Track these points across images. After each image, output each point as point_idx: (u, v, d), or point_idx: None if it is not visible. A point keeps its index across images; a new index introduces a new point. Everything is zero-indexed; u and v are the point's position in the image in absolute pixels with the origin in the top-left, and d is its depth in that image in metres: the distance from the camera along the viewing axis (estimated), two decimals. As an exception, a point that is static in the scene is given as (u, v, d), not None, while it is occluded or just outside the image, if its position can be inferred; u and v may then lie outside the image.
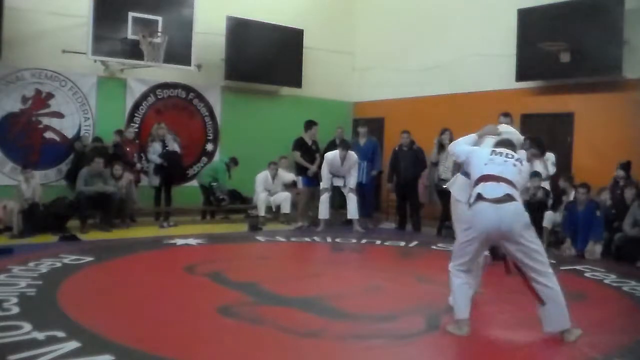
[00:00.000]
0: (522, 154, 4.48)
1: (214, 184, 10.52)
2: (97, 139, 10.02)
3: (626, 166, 8.24)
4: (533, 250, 3.97)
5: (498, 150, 4.29)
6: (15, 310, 4.33)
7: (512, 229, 3.93)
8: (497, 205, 3.95)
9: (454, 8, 11.41)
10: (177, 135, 10.47)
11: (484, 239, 4.07)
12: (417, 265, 7.05)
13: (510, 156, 4.23)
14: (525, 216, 4.02)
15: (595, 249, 7.53)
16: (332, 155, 9.47)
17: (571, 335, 4.04)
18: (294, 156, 10.39)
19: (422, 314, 4.65)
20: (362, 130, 10.63)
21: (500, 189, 4.00)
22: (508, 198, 3.97)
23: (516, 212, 3.97)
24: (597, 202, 7.77)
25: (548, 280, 4.00)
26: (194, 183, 11.21)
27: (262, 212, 10.17)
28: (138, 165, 10.16)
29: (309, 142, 10.29)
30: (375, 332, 4.19)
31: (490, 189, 4.02)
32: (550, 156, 8.28)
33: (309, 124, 10.34)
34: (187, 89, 11.29)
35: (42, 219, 8.43)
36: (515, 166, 4.16)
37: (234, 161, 10.70)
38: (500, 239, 4.02)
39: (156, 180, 9.92)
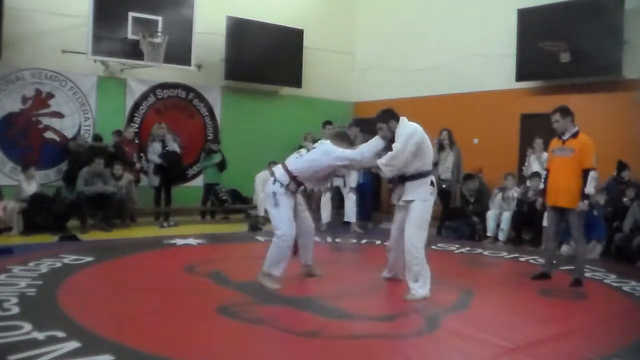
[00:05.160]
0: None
1: (217, 185, 10.62)
2: (97, 138, 10.00)
3: (622, 166, 8.25)
4: (271, 215, 5.42)
5: (301, 150, 5.66)
6: (15, 310, 4.33)
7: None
8: None
9: (454, 8, 11.41)
10: (177, 135, 10.47)
11: None
12: (417, 265, 7.04)
13: (306, 151, 5.55)
14: (270, 188, 5.36)
15: (595, 249, 7.52)
16: None
17: (264, 280, 5.30)
18: None
19: (421, 314, 4.66)
20: (354, 130, 10.33)
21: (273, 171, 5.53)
22: (273, 177, 5.42)
23: (269, 186, 5.42)
24: (592, 203, 7.73)
25: (275, 237, 5.34)
26: (194, 183, 11.22)
27: (262, 212, 10.14)
28: (138, 165, 10.17)
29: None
30: (374, 332, 4.19)
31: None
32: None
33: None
34: (187, 89, 11.30)
35: (42, 219, 8.44)
36: (296, 155, 5.50)
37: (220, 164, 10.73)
38: None
39: (156, 180, 9.92)
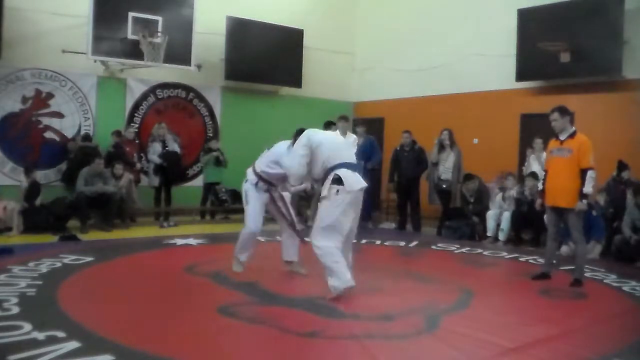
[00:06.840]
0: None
1: (217, 184, 10.62)
2: (85, 138, 9.97)
3: (622, 166, 8.24)
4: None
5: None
6: (15, 310, 4.32)
7: None
8: None
9: (454, 8, 11.42)
10: (177, 135, 10.47)
11: None
12: (417, 265, 7.05)
13: (267, 149, 5.83)
14: (243, 186, 5.87)
15: (594, 249, 7.52)
16: None
17: (233, 263, 5.81)
18: None
19: (421, 314, 4.65)
20: (360, 130, 10.46)
21: None
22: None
23: (243, 184, 5.89)
24: (591, 203, 7.71)
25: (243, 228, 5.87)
26: (194, 183, 11.22)
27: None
28: (138, 165, 10.17)
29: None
30: (374, 332, 4.19)
31: None
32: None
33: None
34: (187, 89, 11.30)
35: (42, 219, 8.44)
36: (262, 154, 5.81)
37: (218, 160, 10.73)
38: None
39: (156, 180, 9.91)
